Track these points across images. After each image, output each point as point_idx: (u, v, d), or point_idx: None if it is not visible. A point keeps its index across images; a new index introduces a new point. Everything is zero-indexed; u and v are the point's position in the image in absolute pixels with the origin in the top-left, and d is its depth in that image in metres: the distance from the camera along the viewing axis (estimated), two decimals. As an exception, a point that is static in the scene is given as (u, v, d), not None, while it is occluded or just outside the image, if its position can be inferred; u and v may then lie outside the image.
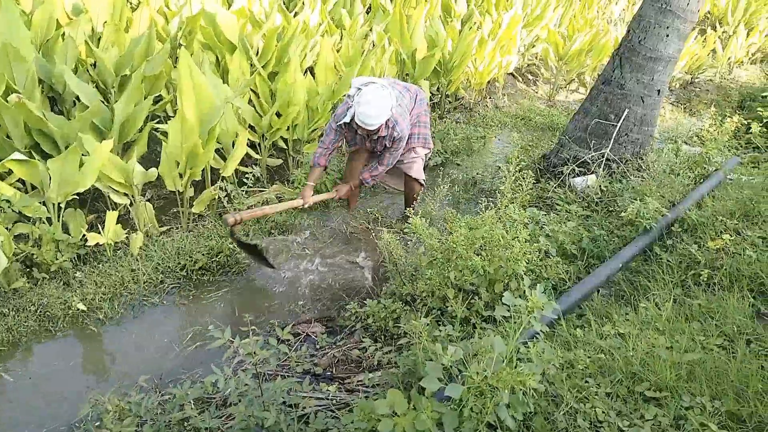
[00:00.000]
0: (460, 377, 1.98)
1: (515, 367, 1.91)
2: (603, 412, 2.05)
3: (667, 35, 4.53)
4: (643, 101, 4.74)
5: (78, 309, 3.23)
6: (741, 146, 5.96)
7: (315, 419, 2.26)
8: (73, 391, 2.81)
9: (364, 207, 4.73)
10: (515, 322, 1.98)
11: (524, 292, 2.21)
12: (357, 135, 3.98)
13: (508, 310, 2.03)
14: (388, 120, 3.76)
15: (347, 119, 3.82)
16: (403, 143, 3.98)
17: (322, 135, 4.14)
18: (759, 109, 7.03)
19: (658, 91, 4.75)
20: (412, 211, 3.67)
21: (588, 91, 5.56)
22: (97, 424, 2.55)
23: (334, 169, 4.86)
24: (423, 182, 4.38)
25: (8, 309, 3.17)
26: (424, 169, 4.39)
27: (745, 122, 6.28)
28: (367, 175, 4.14)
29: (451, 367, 2.00)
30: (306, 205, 4.02)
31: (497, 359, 1.88)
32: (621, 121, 4.78)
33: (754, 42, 10.37)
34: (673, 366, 2.24)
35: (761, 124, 6.28)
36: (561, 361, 2.27)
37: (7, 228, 3.30)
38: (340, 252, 4.14)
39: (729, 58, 10.06)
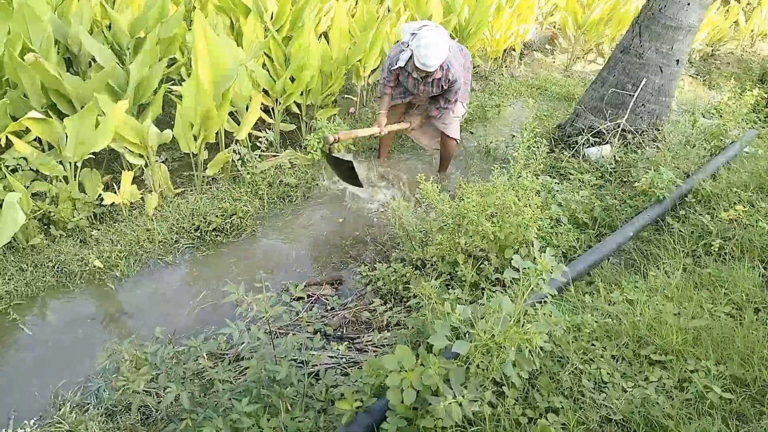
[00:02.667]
0: (467, 336, 2.01)
1: (522, 327, 1.94)
2: (608, 373, 2.09)
3: (689, 3, 4.44)
4: (661, 71, 4.66)
5: (95, 266, 3.30)
6: (760, 120, 5.86)
7: (325, 375, 2.31)
8: (89, 344, 2.87)
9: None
10: (524, 284, 2.00)
11: (534, 257, 2.23)
12: (409, 79, 4.05)
13: (518, 272, 2.05)
14: (443, 62, 3.84)
15: (402, 63, 3.91)
16: (460, 83, 4.07)
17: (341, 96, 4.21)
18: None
19: (677, 61, 4.67)
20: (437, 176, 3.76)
21: (606, 60, 5.47)
22: (114, 375, 2.63)
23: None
24: (458, 141, 4.58)
25: (27, 264, 3.24)
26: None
27: (766, 96, 6.16)
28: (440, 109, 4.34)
29: (459, 327, 2.03)
30: (382, 133, 4.36)
31: (504, 318, 1.91)
32: (638, 91, 4.72)
33: (779, 14, 10.11)
34: (680, 331, 2.26)
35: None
36: (568, 325, 2.30)
37: (25, 185, 3.36)
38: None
39: (752, 31, 9.84)
